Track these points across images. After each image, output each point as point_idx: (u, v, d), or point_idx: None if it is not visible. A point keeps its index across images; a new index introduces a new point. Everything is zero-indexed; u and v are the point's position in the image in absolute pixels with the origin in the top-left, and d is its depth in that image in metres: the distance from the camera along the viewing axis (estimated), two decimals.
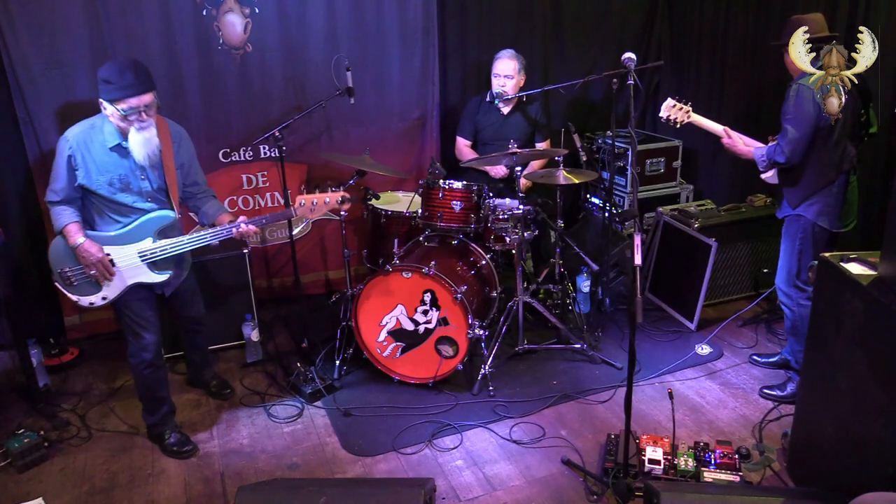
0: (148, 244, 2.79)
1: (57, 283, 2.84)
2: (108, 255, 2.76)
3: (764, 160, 3.17)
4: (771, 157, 3.11)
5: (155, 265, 2.84)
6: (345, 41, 4.15)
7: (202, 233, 2.85)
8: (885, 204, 2.94)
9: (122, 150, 2.73)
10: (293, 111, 3.90)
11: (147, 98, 2.64)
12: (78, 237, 2.73)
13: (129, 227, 2.79)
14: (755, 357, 3.69)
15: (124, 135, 2.70)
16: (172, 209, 2.85)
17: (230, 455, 3.09)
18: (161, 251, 2.80)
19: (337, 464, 3.01)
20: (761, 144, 3.26)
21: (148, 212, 2.81)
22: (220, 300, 3.72)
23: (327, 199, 2.94)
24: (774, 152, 3.09)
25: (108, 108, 2.65)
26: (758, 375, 3.58)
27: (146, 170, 2.78)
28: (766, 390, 3.40)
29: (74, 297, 2.83)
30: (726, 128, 3.32)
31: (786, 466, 2.87)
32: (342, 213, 3.01)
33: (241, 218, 2.88)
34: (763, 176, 3.29)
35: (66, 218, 2.76)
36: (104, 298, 2.83)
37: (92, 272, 2.75)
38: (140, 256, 2.79)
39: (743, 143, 3.30)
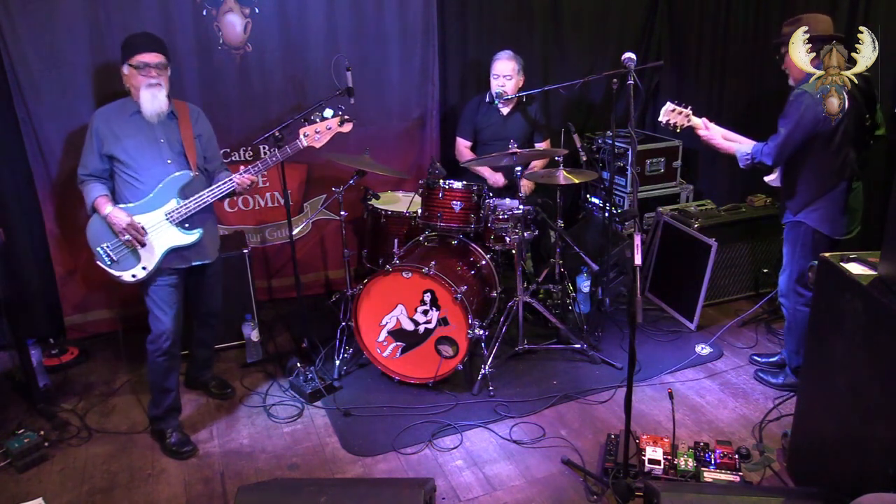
0: (173, 205, 2.92)
1: (99, 263, 2.96)
2: (139, 223, 2.89)
3: (747, 158, 3.15)
4: (757, 158, 3.11)
5: (183, 226, 2.94)
6: (345, 41, 4.15)
7: (211, 187, 2.98)
8: (886, 205, 2.93)
9: (138, 117, 2.92)
10: (293, 111, 3.89)
11: (156, 57, 2.86)
12: (106, 207, 2.87)
13: (153, 192, 2.91)
14: (755, 357, 3.70)
15: (138, 100, 2.89)
16: (190, 169, 2.97)
17: (230, 455, 3.09)
18: (185, 209, 2.92)
19: (337, 464, 3.01)
20: (748, 140, 3.24)
21: (169, 174, 2.94)
22: None
23: (329, 125, 3.06)
24: (761, 152, 3.08)
25: (126, 69, 2.87)
26: None
27: (163, 134, 2.94)
28: (760, 373, 3.51)
29: (118, 273, 2.94)
30: (705, 119, 3.31)
31: (786, 466, 2.87)
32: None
33: (241, 168, 3.00)
34: (767, 178, 3.29)
35: (94, 192, 2.91)
36: (144, 269, 2.94)
37: (126, 237, 2.87)
38: (167, 217, 2.91)
39: (722, 137, 3.29)
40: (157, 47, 2.88)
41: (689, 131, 3.42)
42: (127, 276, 2.94)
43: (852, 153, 3.03)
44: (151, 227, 2.91)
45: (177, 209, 2.91)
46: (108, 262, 2.94)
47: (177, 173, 2.93)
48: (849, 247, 3.14)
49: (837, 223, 3.09)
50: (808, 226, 3.11)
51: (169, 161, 2.94)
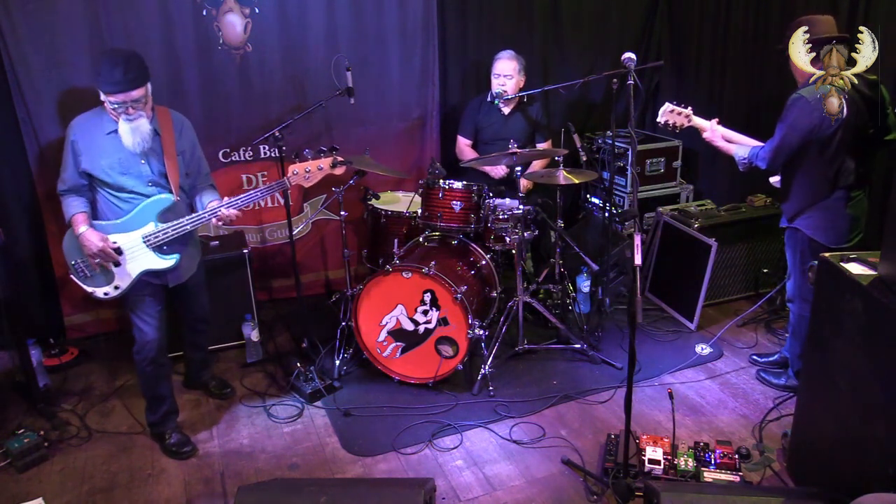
0: (151, 228, 2.83)
1: (72, 276, 2.91)
2: (115, 243, 2.80)
3: (744, 161, 3.16)
4: (753, 161, 3.11)
5: (161, 250, 2.87)
6: (345, 41, 4.15)
7: (192, 215, 2.88)
8: (885, 205, 2.92)
9: (117, 137, 2.77)
10: (293, 111, 3.89)
11: (134, 94, 2.68)
12: (81, 227, 2.79)
13: (132, 213, 2.83)
14: (755, 357, 3.70)
15: (117, 122, 2.75)
16: (172, 193, 2.87)
17: (230, 455, 3.09)
18: (164, 234, 2.83)
19: (337, 464, 3.01)
20: (751, 142, 3.24)
21: (149, 197, 2.84)
22: (220, 300, 3.71)
23: (321, 166, 2.96)
24: (756, 157, 3.08)
25: (102, 96, 2.72)
26: None
27: (146, 155, 2.81)
28: (762, 373, 3.52)
29: (90, 289, 2.89)
30: (716, 119, 3.32)
31: (786, 466, 2.87)
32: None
33: (226, 199, 2.89)
34: (772, 180, 3.29)
35: (73, 209, 2.82)
36: (117, 288, 2.87)
37: (96, 261, 2.80)
38: (144, 241, 2.83)
39: (723, 138, 3.29)
40: (133, 83, 2.65)
41: (690, 131, 3.42)
42: (99, 292, 2.87)
43: (850, 162, 2.97)
44: (127, 248, 2.82)
45: (154, 233, 2.81)
46: (82, 277, 2.88)
47: (158, 196, 2.82)
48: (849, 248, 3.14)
49: (833, 231, 3.05)
50: (803, 233, 3.10)
51: (150, 184, 2.82)
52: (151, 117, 2.81)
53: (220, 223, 2.89)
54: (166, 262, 2.88)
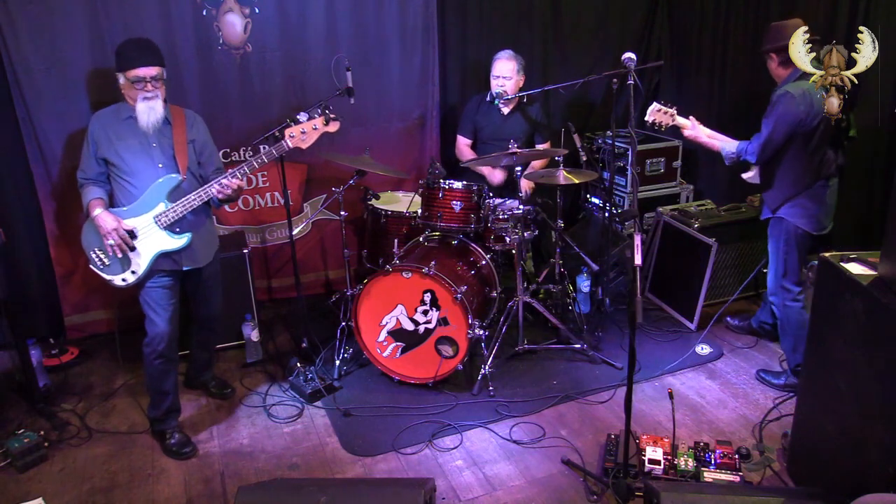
0: (161, 208, 2.91)
1: (92, 267, 2.98)
2: (129, 227, 2.88)
3: (732, 156, 3.25)
4: (742, 155, 3.20)
5: (172, 229, 2.93)
6: (345, 41, 4.15)
7: (198, 189, 2.94)
8: (886, 204, 2.93)
9: (132, 122, 2.91)
10: (293, 111, 3.88)
11: (152, 71, 2.83)
12: (96, 209, 2.88)
13: (143, 196, 2.91)
14: (728, 320, 3.97)
15: (133, 106, 2.89)
16: (178, 173, 2.95)
17: (230, 455, 3.09)
18: (173, 212, 2.90)
19: (337, 464, 3.01)
20: (728, 139, 3.31)
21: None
22: None
23: (315, 125, 3.05)
24: (745, 151, 3.17)
25: (121, 79, 2.86)
26: None
27: (156, 139, 2.93)
28: (762, 373, 3.53)
29: (109, 277, 2.97)
30: (693, 118, 3.41)
31: (786, 466, 2.87)
32: (331, 130, 3.09)
33: (227, 171, 2.98)
34: (744, 176, 3.36)
35: (90, 195, 2.93)
36: (133, 273, 2.93)
37: (110, 242, 2.86)
38: (156, 221, 2.90)
39: (706, 135, 3.38)
40: (152, 59, 2.84)
41: (677, 129, 3.48)
42: (117, 279, 2.94)
43: (830, 152, 3.10)
44: (140, 231, 2.90)
45: (164, 212, 2.89)
46: (101, 266, 2.95)
47: (166, 176, 2.91)
48: (844, 243, 3.16)
49: (816, 219, 3.16)
50: (788, 222, 3.19)
51: (160, 165, 2.92)
52: (165, 107, 2.94)
53: (224, 193, 2.94)
54: (178, 241, 2.94)
